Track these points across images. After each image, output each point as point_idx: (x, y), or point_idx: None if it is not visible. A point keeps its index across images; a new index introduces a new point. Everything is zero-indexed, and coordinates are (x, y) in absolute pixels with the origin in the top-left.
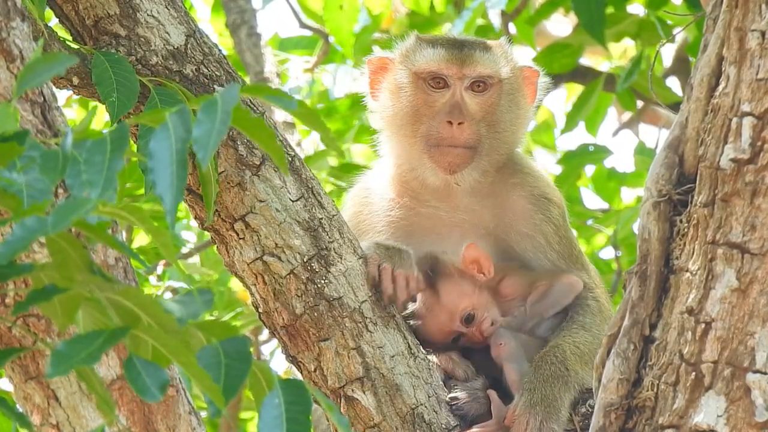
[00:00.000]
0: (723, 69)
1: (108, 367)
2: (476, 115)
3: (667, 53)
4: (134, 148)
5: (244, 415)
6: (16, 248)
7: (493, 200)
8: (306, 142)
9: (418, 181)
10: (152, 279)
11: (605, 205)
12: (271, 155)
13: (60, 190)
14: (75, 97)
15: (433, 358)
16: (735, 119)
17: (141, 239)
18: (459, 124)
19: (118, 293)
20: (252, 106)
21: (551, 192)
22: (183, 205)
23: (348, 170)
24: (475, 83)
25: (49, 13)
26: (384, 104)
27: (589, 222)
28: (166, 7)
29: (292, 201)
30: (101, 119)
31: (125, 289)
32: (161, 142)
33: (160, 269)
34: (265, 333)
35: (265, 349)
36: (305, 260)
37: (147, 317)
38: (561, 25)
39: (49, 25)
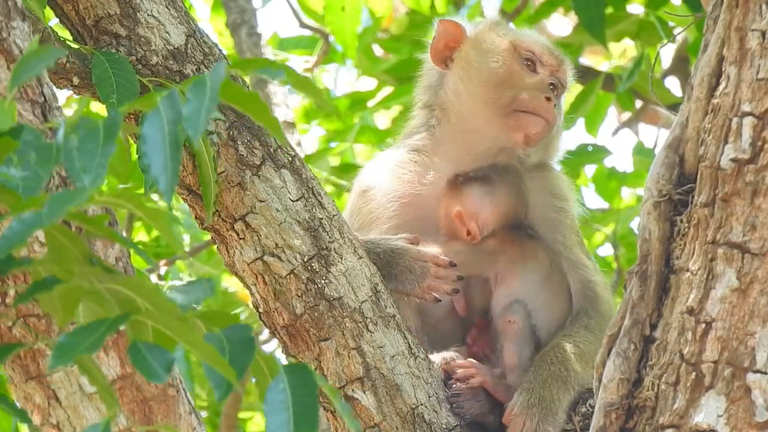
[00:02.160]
0: (723, 69)
1: (108, 366)
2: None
3: (667, 53)
4: (134, 148)
5: (243, 415)
6: (13, 242)
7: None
8: (306, 141)
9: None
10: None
11: (605, 205)
12: (266, 126)
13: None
14: (75, 96)
15: (434, 357)
16: (735, 119)
17: (139, 238)
18: (553, 104)
19: (118, 283)
20: None
21: (572, 190)
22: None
23: (348, 170)
24: (559, 84)
25: (49, 12)
26: (464, 68)
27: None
28: (167, 7)
29: (293, 201)
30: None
31: (126, 279)
32: (153, 125)
33: (162, 270)
34: (266, 333)
35: (265, 349)
36: (305, 260)
37: (149, 306)
38: (561, 24)
39: (49, 24)
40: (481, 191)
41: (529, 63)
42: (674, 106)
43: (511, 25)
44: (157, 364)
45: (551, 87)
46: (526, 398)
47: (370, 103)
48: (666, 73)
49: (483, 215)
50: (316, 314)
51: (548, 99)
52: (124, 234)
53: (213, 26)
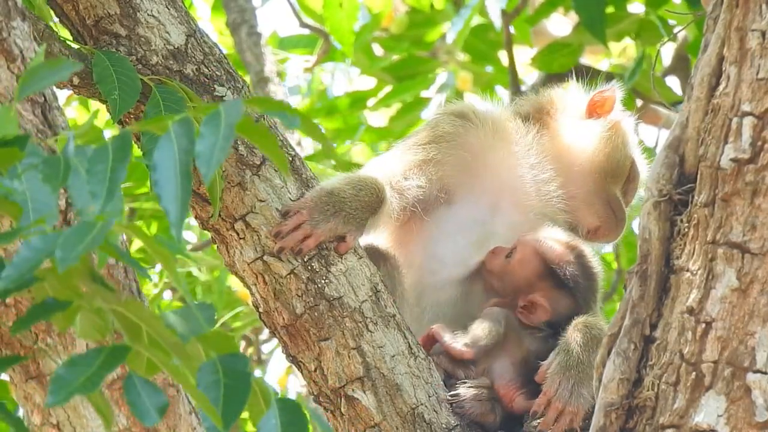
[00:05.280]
0: (723, 69)
1: None
2: None
3: (667, 52)
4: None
5: (243, 414)
6: (23, 271)
7: None
8: (306, 141)
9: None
10: (153, 278)
11: None
12: (273, 161)
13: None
14: (75, 96)
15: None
16: (735, 119)
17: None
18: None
19: (120, 305)
20: None
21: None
22: None
23: (347, 169)
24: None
25: (48, 12)
26: (609, 137)
27: None
28: (167, 7)
29: (293, 200)
30: (101, 118)
31: (127, 302)
32: (164, 153)
33: (158, 267)
34: (266, 332)
35: (265, 349)
36: (305, 260)
37: (148, 329)
38: (561, 24)
39: (49, 24)
40: (569, 304)
41: (629, 169)
42: (675, 105)
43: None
44: (151, 404)
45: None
46: (565, 359)
47: (370, 102)
48: (666, 72)
49: (545, 317)
50: (316, 314)
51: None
52: (124, 236)
53: (213, 25)
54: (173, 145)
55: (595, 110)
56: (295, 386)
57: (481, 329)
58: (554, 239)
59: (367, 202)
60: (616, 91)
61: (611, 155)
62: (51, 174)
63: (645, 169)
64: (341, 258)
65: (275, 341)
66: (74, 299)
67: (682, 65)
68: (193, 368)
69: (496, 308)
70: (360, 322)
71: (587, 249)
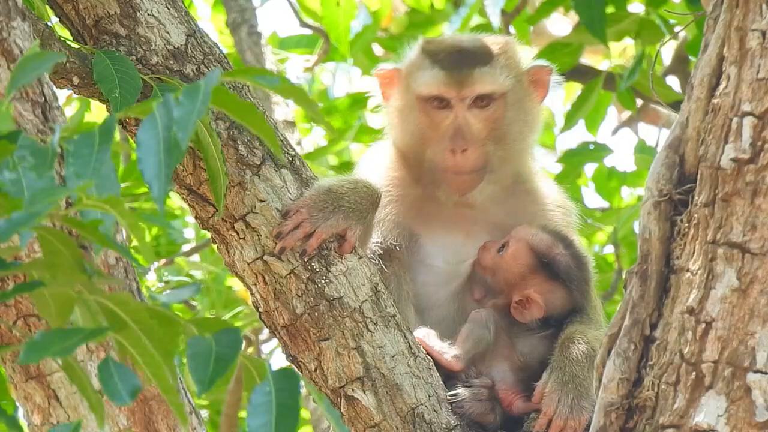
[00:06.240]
0: (723, 69)
1: None
2: (481, 134)
3: (667, 52)
4: (135, 147)
5: (243, 414)
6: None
7: (512, 202)
8: (306, 140)
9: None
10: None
11: (605, 204)
12: (263, 138)
13: None
14: (75, 96)
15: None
16: (735, 119)
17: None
18: (462, 151)
19: (106, 297)
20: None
21: (566, 201)
22: (182, 204)
23: (347, 169)
24: (478, 100)
25: (48, 12)
26: (392, 122)
27: (589, 221)
28: (167, 7)
29: (293, 201)
30: (100, 118)
31: (113, 294)
32: (148, 131)
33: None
34: (266, 332)
35: (265, 349)
36: (305, 260)
37: (133, 324)
38: (561, 24)
39: (49, 24)
40: (563, 296)
41: (440, 102)
42: (675, 104)
43: (416, 55)
44: (123, 387)
45: (455, 132)
46: (559, 375)
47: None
48: (666, 72)
49: (539, 314)
50: (316, 314)
51: (452, 151)
52: (124, 233)
53: (213, 25)
54: (156, 123)
55: (387, 100)
56: None
57: (470, 338)
58: (545, 231)
59: (365, 194)
60: (376, 74)
61: (405, 144)
62: (40, 162)
63: (435, 71)
64: (341, 258)
65: (275, 341)
66: (62, 288)
67: (682, 65)
68: (170, 364)
69: (483, 311)
70: (360, 322)
71: (576, 238)
